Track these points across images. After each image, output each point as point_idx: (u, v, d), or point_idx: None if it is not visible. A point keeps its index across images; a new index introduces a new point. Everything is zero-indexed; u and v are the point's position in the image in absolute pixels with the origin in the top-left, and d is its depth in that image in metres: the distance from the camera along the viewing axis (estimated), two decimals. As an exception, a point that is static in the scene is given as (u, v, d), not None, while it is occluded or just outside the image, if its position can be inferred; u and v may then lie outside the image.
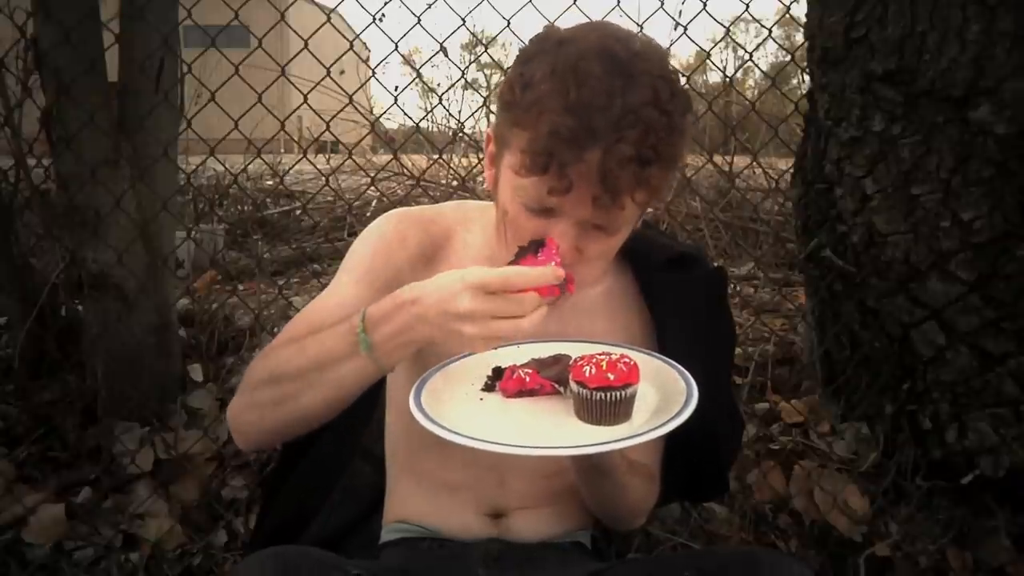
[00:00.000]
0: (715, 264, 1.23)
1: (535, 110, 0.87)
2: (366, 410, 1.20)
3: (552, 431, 0.87)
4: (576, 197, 0.88)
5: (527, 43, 0.95)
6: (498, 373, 0.96)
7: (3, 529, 1.73)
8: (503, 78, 0.96)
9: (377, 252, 1.08)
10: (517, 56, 0.95)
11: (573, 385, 0.87)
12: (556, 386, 0.93)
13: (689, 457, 1.11)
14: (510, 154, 0.93)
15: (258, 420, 0.98)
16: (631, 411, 0.87)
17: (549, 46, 0.91)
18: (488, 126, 1.03)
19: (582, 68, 0.86)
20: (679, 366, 0.93)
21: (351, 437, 1.22)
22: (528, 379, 0.93)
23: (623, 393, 0.85)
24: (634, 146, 0.85)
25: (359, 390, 0.94)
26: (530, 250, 0.92)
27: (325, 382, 0.92)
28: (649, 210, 1.30)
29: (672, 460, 1.12)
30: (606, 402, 0.85)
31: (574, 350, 0.94)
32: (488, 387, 0.95)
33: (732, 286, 1.65)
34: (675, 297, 1.10)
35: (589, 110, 0.85)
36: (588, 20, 1.00)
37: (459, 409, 0.90)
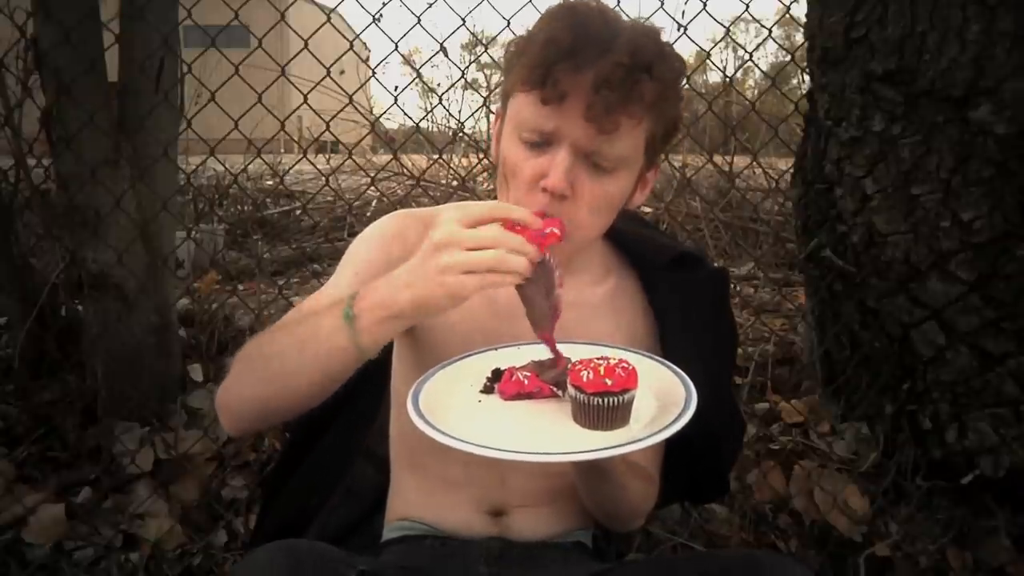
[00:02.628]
0: (716, 265, 1.23)
1: (533, 36, 0.95)
2: (370, 411, 1.20)
3: (549, 435, 0.86)
4: (571, 108, 0.91)
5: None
6: (497, 375, 0.95)
7: (3, 529, 1.72)
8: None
9: (377, 250, 1.08)
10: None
11: (571, 389, 0.86)
12: (554, 389, 0.92)
13: (690, 458, 1.11)
14: (512, 94, 0.98)
15: (244, 399, 0.98)
16: (628, 416, 0.86)
17: (555, 8, 0.98)
18: (490, 124, 1.07)
19: (575, 8, 0.95)
20: (678, 370, 0.92)
21: (354, 438, 1.22)
22: (526, 382, 0.92)
23: (620, 399, 0.84)
24: (627, 57, 0.90)
25: (342, 371, 0.92)
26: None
27: (308, 360, 0.91)
28: (648, 209, 1.30)
29: (673, 462, 1.12)
30: (603, 407, 0.84)
31: (574, 352, 0.94)
32: (487, 389, 0.95)
33: (732, 286, 1.65)
34: (677, 298, 1.11)
35: (584, 28, 0.92)
36: None
37: (457, 411, 0.89)
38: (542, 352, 0.95)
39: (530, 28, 0.99)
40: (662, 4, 1.91)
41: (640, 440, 0.80)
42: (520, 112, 0.96)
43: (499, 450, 0.78)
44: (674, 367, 0.93)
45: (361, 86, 2.22)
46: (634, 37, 0.93)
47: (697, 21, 2.01)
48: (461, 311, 1.04)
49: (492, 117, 1.09)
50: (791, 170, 2.04)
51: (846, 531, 1.68)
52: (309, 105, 2.08)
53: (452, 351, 1.01)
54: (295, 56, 1.95)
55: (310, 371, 0.92)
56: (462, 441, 0.79)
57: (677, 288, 1.11)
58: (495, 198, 1.15)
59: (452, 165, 4.36)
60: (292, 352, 0.92)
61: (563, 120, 0.92)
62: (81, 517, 1.77)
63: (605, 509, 1.09)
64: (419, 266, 0.84)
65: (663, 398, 0.89)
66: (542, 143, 0.95)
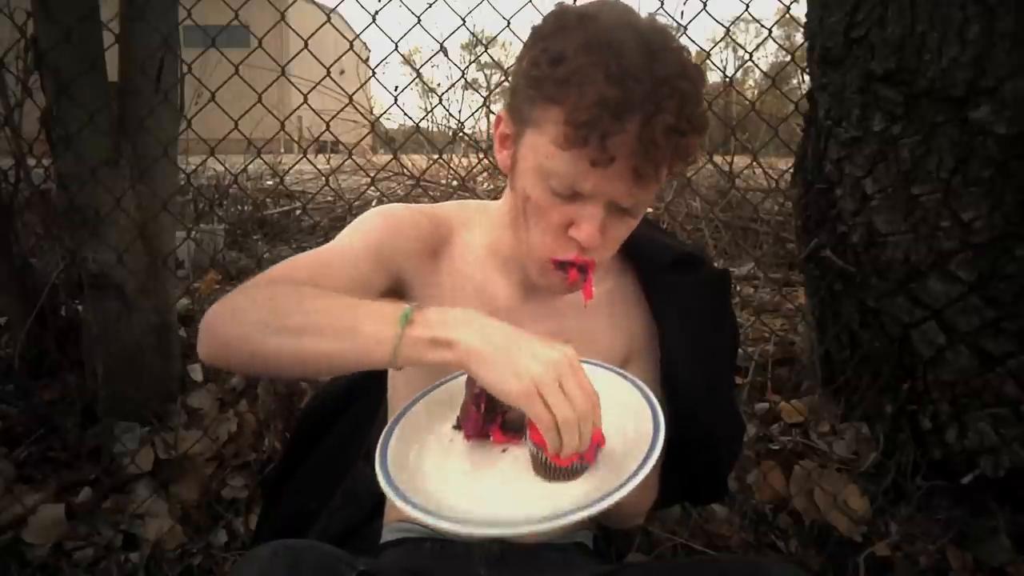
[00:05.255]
0: (719, 266, 1.22)
1: (575, 81, 0.86)
2: (371, 413, 1.20)
3: (506, 485, 0.84)
4: (616, 170, 0.88)
5: (541, 21, 0.94)
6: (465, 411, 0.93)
7: (3, 529, 1.72)
8: (523, 56, 0.95)
9: (387, 230, 1.06)
10: (532, 34, 0.94)
11: (530, 445, 0.85)
12: (511, 436, 0.91)
13: (690, 461, 1.10)
14: (538, 133, 0.91)
15: (237, 331, 0.89)
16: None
17: (570, 21, 0.90)
18: (500, 110, 1.01)
19: (617, 39, 0.86)
20: (650, 394, 0.90)
21: (355, 440, 1.22)
22: (491, 436, 0.91)
23: (578, 464, 0.83)
24: (674, 116, 0.86)
25: (350, 367, 0.91)
26: None
27: (328, 341, 0.86)
28: (648, 209, 1.30)
29: (673, 464, 1.12)
30: (562, 469, 0.83)
31: None
32: (457, 426, 0.94)
33: (732, 286, 1.64)
34: (679, 299, 1.09)
35: (629, 81, 0.85)
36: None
37: (427, 457, 0.88)
38: None
39: (560, 53, 0.88)
40: (662, 4, 1.91)
41: (596, 502, 0.77)
42: (551, 159, 0.90)
43: (443, 519, 0.77)
44: (646, 389, 0.91)
45: (361, 86, 2.22)
46: (679, 84, 0.86)
47: (697, 21, 2.01)
48: None
49: (492, 117, 1.07)
50: (791, 170, 2.04)
51: (846, 531, 1.68)
52: (309, 105, 2.08)
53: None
54: (295, 56, 1.95)
55: (336, 361, 0.88)
56: (415, 507, 0.78)
57: (678, 290, 1.10)
58: (496, 198, 1.15)
59: (452, 165, 4.36)
60: (318, 321, 0.86)
61: (604, 180, 0.89)
62: (81, 517, 1.77)
63: (605, 512, 1.09)
64: (525, 358, 0.79)
65: (634, 425, 0.86)
66: (572, 196, 0.92)
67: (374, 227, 1.07)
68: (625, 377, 0.95)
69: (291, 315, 0.87)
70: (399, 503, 0.79)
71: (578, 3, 0.98)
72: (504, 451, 0.88)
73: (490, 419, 0.90)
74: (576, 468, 0.83)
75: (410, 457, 0.88)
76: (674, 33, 0.93)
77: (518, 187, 0.97)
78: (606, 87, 0.84)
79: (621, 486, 0.77)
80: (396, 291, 1.06)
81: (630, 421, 0.87)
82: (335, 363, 0.89)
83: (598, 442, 0.84)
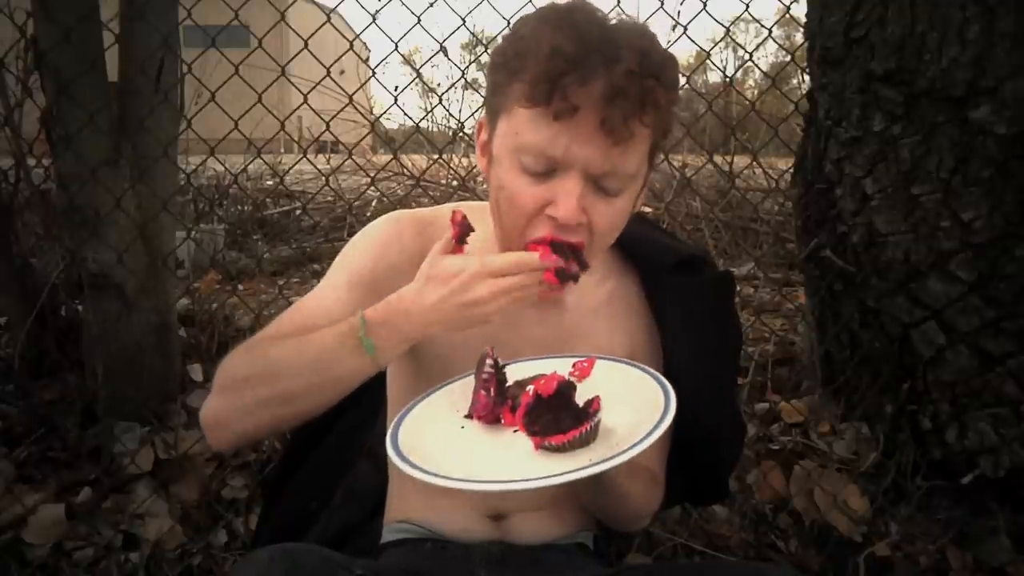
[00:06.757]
0: (722, 268, 1.21)
1: (531, 49, 0.88)
2: (371, 412, 1.20)
3: (513, 460, 0.86)
4: (582, 126, 0.87)
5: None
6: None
7: (3, 529, 1.72)
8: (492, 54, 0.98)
9: (372, 257, 1.07)
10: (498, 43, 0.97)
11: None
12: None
13: (690, 462, 1.10)
14: (507, 116, 0.92)
15: (243, 418, 0.96)
16: (596, 435, 0.86)
17: (532, 13, 0.94)
18: (480, 118, 1.03)
19: (573, 12, 0.90)
20: (656, 373, 0.92)
21: (356, 439, 1.22)
22: (502, 419, 0.92)
23: (577, 438, 0.84)
24: (637, 64, 0.86)
25: (355, 386, 0.95)
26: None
27: (325, 382, 0.93)
28: (648, 209, 1.29)
29: (673, 465, 1.11)
30: (560, 445, 0.84)
31: (558, 367, 0.94)
32: (469, 414, 0.94)
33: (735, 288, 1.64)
34: (681, 301, 1.09)
35: (588, 36, 0.86)
36: None
37: (438, 439, 0.89)
38: (527, 369, 0.95)
39: (517, 34, 0.92)
40: (662, 4, 1.91)
41: (610, 459, 0.78)
42: (521, 133, 0.90)
43: (458, 480, 0.79)
44: (654, 372, 0.93)
45: (361, 86, 2.22)
46: (636, 41, 0.88)
47: (697, 21, 2.00)
48: None
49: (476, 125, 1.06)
50: (791, 170, 2.04)
51: (846, 531, 1.68)
52: (309, 105, 2.08)
53: (451, 352, 1.01)
54: (295, 56, 1.95)
55: (326, 389, 0.94)
56: (429, 474, 0.80)
57: (680, 291, 1.09)
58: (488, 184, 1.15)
59: (452, 165, 4.36)
60: (305, 372, 0.93)
61: (574, 137, 0.88)
62: (81, 517, 1.77)
63: (608, 513, 1.09)
64: (443, 302, 0.87)
65: (642, 407, 0.87)
66: (547, 171, 0.91)
67: (356, 255, 1.09)
68: (636, 366, 0.96)
69: (264, 372, 0.95)
70: (405, 467, 0.81)
71: None
72: (515, 432, 0.89)
73: (500, 402, 0.91)
74: (574, 443, 0.84)
75: (421, 438, 0.89)
76: (652, 36, 0.93)
77: (493, 181, 0.97)
78: (560, 39, 0.86)
79: (622, 452, 0.79)
80: None
81: (642, 404, 0.88)
82: (336, 397, 0.95)
83: (595, 411, 0.85)
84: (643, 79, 0.86)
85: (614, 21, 0.92)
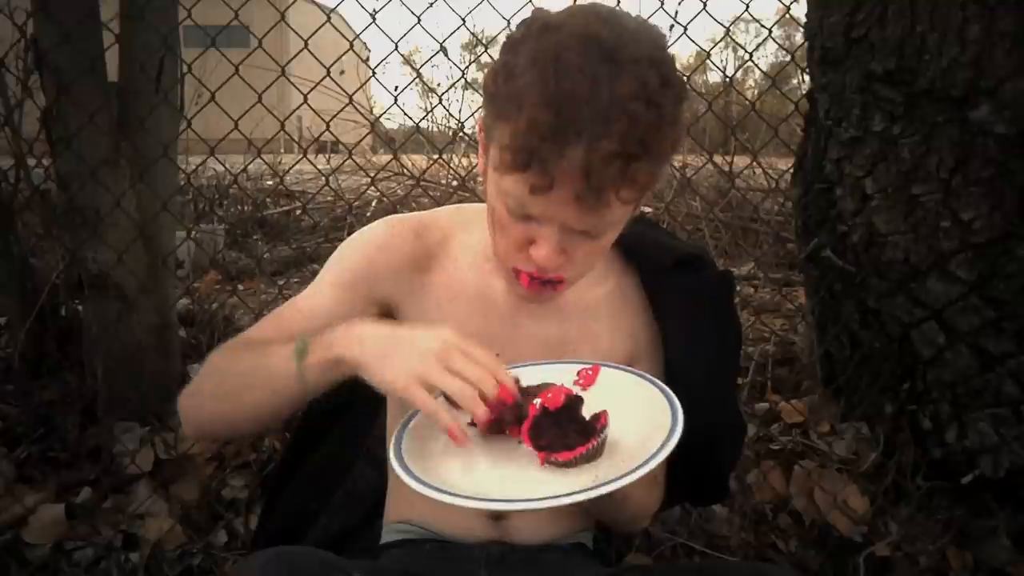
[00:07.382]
0: (722, 268, 1.21)
1: (515, 103, 0.82)
2: (371, 414, 1.20)
3: (516, 474, 0.86)
4: (558, 196, 0.83)
5: (515, 28, 0.90)
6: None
7: (3, 529, 1.72)
8: (489, 66, 0.92)
9: (360, 260, 1.07)
10: (504, 43, 0.90)
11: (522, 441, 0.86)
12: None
13: (690, 462, 1.10)
14: (493, 149, 0.88)
15: (199, 409, 1.04)
16: (602, 451, 0.85)
17: (533, 32, 0.85)
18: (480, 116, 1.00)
19: (564, 58, 0.80)
20: (666, 388, 0.91)
21: (356, 440, 1.22)
22: (506, 430, 0.91)
23: (583, 455, 0.83)
24: (619, 141, 0.79)
25: (291, 406, 0.98)
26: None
27: (256, 382, 0.96)
28: (648, 209, 1.29)
29: (673, 465, 1.11)
30: (566, 461, 0.84)
31: (562, 374, 0.93)
32: (472, 422, 0.93)
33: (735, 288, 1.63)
34: (681, 301, 1.08)
35: (571, 103, 0.79)
36: (581, 3, 0.93)
37: (441, 447, 0.89)
38: (531, 375, 0.94)
39: (508, 68, 0.84)
40: (662, 4, 1.91)
41: (611, 481, 0.77)
42: (503, 182, 0.87)
43: (460, 496, 0.80)
44: (661, 385, 0.92)
45: (361, 86, 2.22)
46: (627, 101, 0.80)
47: (697, 21, 2.00)
48: (458, 315, 1.04)
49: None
50: (791, 170, 2.04)
51: (846, 531, 1.68)
52: (309, 105, 2.08)
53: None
54: (295, 56, 1.95)
55: (258, 391, 0.97)
56: (433, 488, 0.81)
57: (680, 291, 1.08)
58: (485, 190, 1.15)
59: (452, 165, 4.35)
60: (245, 376, 0.97)
61: (549, 205, 0.85)
62: (81, 517, 1.77)
63: (609, 514, 1.09)
64: (404, 354, 0.85)
65: (651, 420, 0.86)
66: (528, 217, 0.89)
67: (347, 259, 1.09)
68: (643, 376, 0.95)
69: (228, 377, 1.00)
70: (411, 483, 0.81)
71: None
72: (520, 443, 0.88)
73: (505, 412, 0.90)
74: (580, 459, 0.84)
75: (424, 448, 0.89)
76: (652, 38, 0.85)
77: (487, 197, 0.95)
78: (540, 111, 0.79)
79: (630, 472, 0.77)
80: (386, 314, 1.07)
81: (648, 418, 0.87)
82: (277, 408, 0.98)
83: (603, 427, 0.84)
84: (624, 157, 0.80)
85: (618, 59, 0.81)
